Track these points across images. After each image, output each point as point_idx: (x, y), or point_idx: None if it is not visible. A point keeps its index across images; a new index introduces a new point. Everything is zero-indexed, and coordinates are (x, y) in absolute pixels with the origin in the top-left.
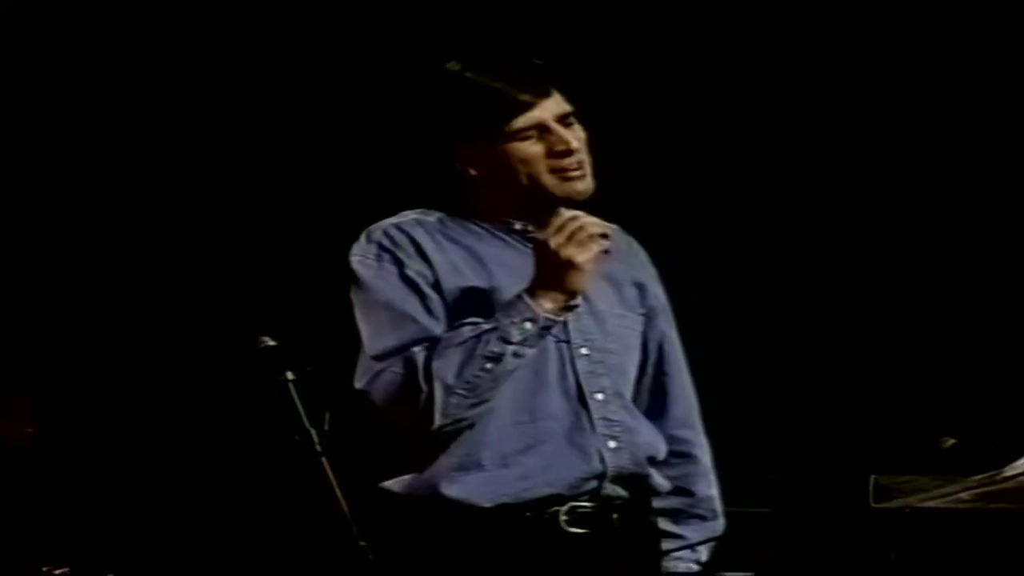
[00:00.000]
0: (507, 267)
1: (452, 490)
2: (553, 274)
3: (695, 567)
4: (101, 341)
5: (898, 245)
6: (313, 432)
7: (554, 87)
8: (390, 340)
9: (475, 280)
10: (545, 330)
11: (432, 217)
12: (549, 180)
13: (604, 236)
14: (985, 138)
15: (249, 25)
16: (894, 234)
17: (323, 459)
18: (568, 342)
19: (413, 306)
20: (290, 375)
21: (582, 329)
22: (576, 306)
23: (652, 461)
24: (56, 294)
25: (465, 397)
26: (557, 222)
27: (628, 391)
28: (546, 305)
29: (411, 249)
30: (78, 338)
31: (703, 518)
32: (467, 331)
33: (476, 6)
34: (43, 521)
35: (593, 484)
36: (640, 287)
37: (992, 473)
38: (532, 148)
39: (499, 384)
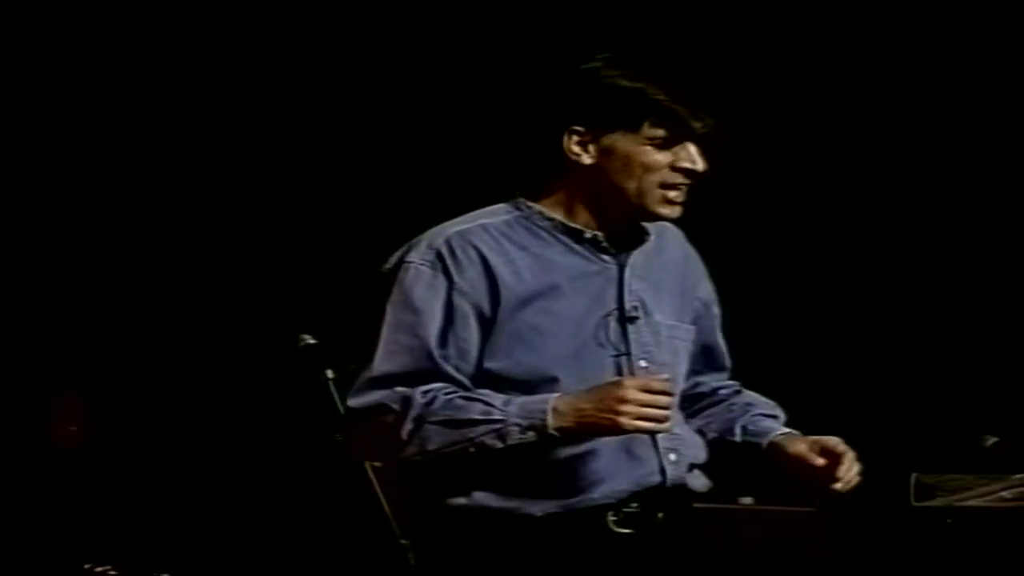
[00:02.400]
0: (569, 272)
1: (504, 500)
2: (597, 417)
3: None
4: (142, 342)
5: (941, 240)
6: None
7: (703, 102)
8: (396, 366)
9: (535, 284)
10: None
11: (498, 219)
12: (655, 194)
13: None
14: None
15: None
16: (936, 228)
17: None
18: (629, 354)
19: (435, 340)
20: (330, 373)
21: (642, 342)
22: (637, 317)
23: (696, 465)
24: (95, 296)
25: (433, 459)
26: (653, 386)
27: (678, 402)
28: (559, 424)
29: (469, 263)
30: (119, 339)
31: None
32: (475, 411)
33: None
34: (89, 520)
35: (651, 494)
36: (692, 293)
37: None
38: (660, 156)
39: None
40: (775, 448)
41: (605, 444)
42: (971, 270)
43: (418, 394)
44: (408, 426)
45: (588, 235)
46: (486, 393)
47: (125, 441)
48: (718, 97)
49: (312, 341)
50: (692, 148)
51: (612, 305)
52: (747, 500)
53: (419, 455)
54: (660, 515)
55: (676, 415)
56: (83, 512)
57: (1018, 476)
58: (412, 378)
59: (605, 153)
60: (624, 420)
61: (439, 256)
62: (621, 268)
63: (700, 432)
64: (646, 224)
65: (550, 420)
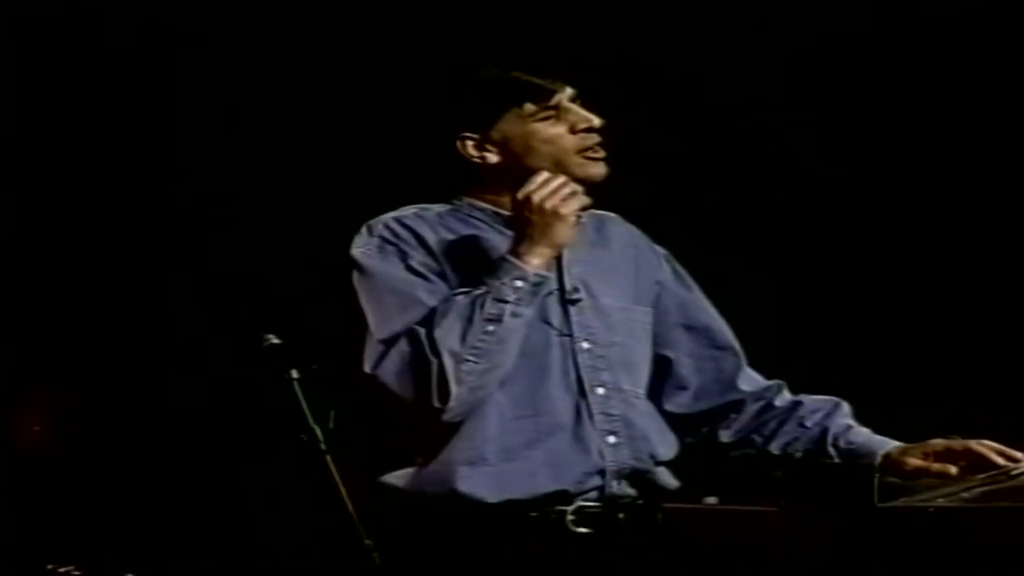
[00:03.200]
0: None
1: (459, 485)
2: (539, 227)
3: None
4: (105, 341)
5: (911, 241)
6: (318, 430)
7: (555, 72)
8: (397, 324)
9: (474, 267)
10: (536, 287)
11: (431, 211)
12: (573, 160)
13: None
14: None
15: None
16: (905, 230)
17: (328, 457)
18: (571, 336)
19: (419, 289)
20: (295, 373)
21: (584, 323)
22: (579, 299)
23: (657, 459)
24: (58, 297)
25: (476, 363)
26: (537, 179)
27: (635, 384)
28: (533, 261)
29: (414, 241)
30: (84, 340)
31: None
32: (461, 299)
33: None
34: (52, 520)
35: (597, 480)
36: (647, 277)
37: (996, 472)
38: (555, 128)
39: (505, 348)
40: (891, 463)
41: (553, 426)
42: (942, 270)
43: (416, 326)
44: (427, 348)
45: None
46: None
47: (90, 441)
48: (567, 67)
49: (277, 341)
50: (578, 108)
51: (552, 286)
52: (712, 500)
53: (460, 366)
54: (621, 515)
55: (630, 404)
56: (47, 512)
57: (980, 476)
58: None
59: (504, 145)
60: (557, 206)
61: (384, 239)
62: (558, 255)
63: (785, 453)
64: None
65: (523, 263)
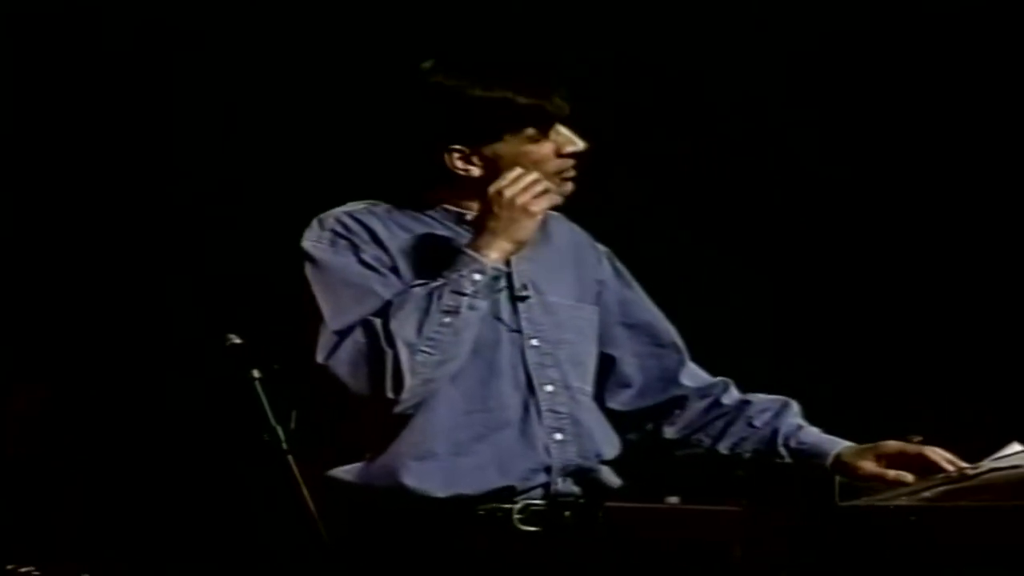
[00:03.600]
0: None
1: (408, 479)
2: (505, 221)
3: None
4: (65, 341)
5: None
6: (280, 430)
7: (555, 88)
8: (352, 315)
9: (426, 261)
10: (494, 281)
11: (381, 207)
12: (551, 179)
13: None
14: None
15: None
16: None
17: (289, 457)
18: (520, 332)
19: (373, 281)
20: (256, 373)
21: (533, 320)
22: (528, 296)
23: (602, 458)
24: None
25: (430, 354)
26: (511, 175)
27: (583, 382)
28: (492, 255)
29: (365, 235)
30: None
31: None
32: (418, 290)
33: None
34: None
35: (543, 477)
36: (589, 275)
37: (958, 471)
38: (543, 149)
39: (460, 340)
40: (843, 466)
41: (501, 421)
42: (897, 271)
43: (371, 316)
44: (383, 339)
45: (469, 217)
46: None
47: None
48: (559, 79)
49: (238, 341)
50: (566, 131)
51: (502, 283)
52: (673, 499)
53: (414, 356)
54: (567, 514)
55: (577, 402)
56: (6, 512)
57: (941, 475)
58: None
59: (492, 161)
60: (527, 201)
61: (336, 233)
62: None
63: (734, 453)
64: None
65: (482, 257)
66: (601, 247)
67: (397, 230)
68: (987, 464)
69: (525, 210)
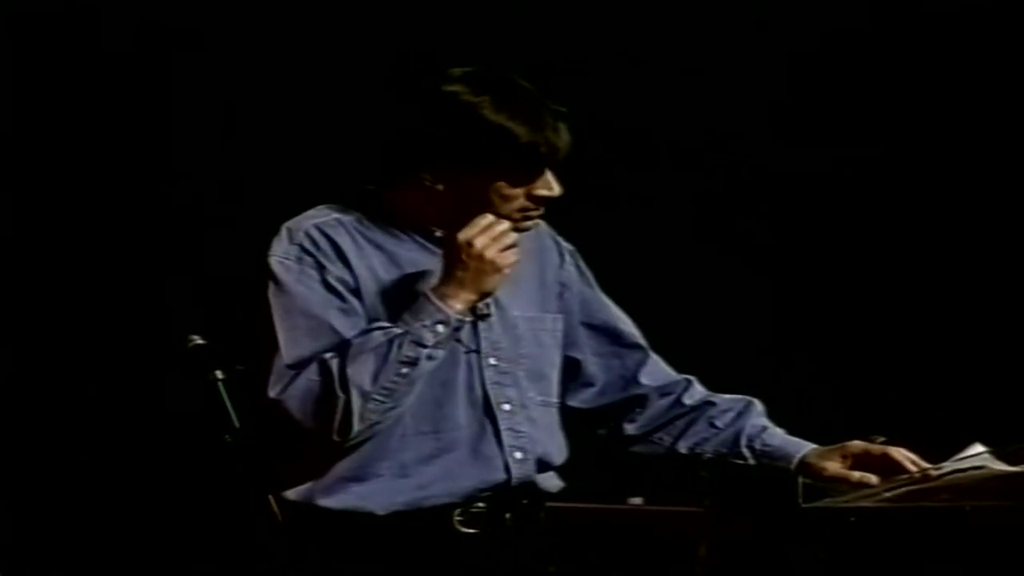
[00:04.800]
0: (424, 271)
1: (349, 499)
2: (473, 273)
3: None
4: (25, 341)
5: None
6: (242, 431)
7: (556, 130)
8: (306, 348)
9: (392, 284)
10: (456, 331)
11: (351, 215)
12: (514, 216)
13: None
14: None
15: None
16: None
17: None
18: (478, 351)
19: (332, 314)
20: (219, 374)
21: (492, 339)
22: (488, 315)
23: (552, 467)
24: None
25: (382, 402)
26: (482, 223)
27: (544, 395)
28: (457, 306)
29: (332, 253)
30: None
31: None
32: (378, 336)
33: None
34: None
35: (491, 494)
36: (552, 280)
37: (920, 472)
38: (517, 188)
39: (414, 387)
40: (807, 468)
41: (452, 442)
42: (860, 269)
43: (328, 356)
44: (337, 382)
45: (439, 233)
46: (378, 325)
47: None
48: (566, 117)
49: (201, 342)
50: (549, 175)
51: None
52: (637, 500)
53: (366, 403)
54: (508, 515)
55: (540, 413)
56: None
57: (903, 476)
58: (323, 354)
59: (460, 182)
60: (496, 256)
61: (303, 249)
62: None
63: (694, 453)
64: None
65: (446, 307)
66: (565, 244)
67: (366, 245)
68: (949, 465)
69: (494, 264)
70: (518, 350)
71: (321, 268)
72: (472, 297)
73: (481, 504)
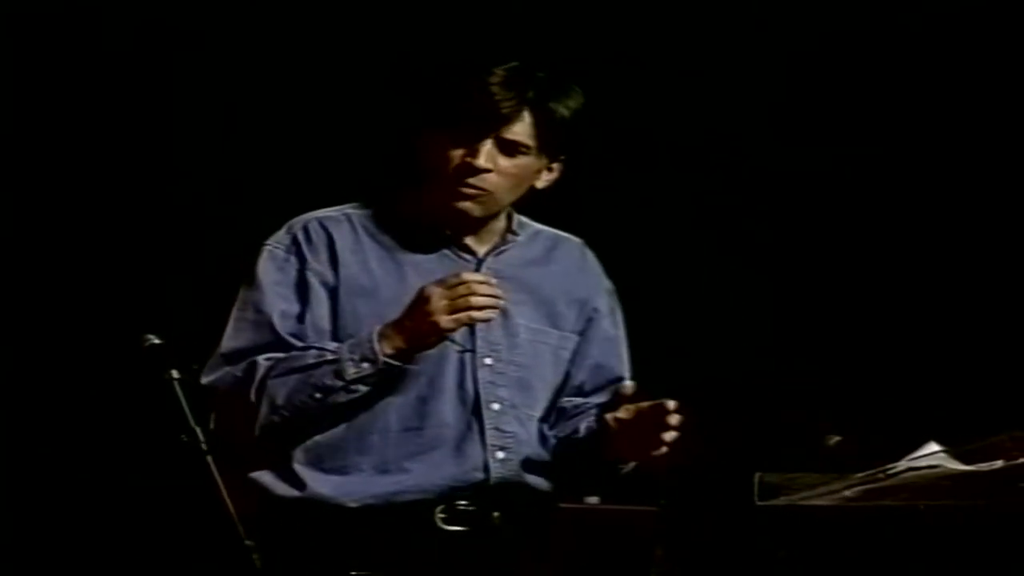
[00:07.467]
0: (423, 271)
1: (323, 489)
2: (417, 324)
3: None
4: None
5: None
6: (199, 431)
7: (533, 110)
8: (242, 341)
9: (384, 281)
10: (383, 373)
11: (365, 211)
12: (448, 188)
13: (493, 308)
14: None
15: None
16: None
17: (209, 458)
18: (473, 351)
19: (278, 314)
20: (175, 373)
21: (490, 340)
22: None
23: (535, 471)
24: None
25: (287, 419)
26: (452, 281)
27: (531, 405)
28: (387, 350)
29: (322, 248)
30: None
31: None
32: (310, 356)
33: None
34: None
35: (467, 493)
36: (581, 304)
37: (876, 471)
38: (455, 151)
39: (328, 412)
40: (603, 427)
41: (437, 439)
42: (816, 269)
43: (262, 359)
44: (255, 387)
45: (444, 234)
46: (322, 343)
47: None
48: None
49: (157, 341)
50: (486, 147)
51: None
52: (593, 499)
53: (272, 415)
54: (496, 514)
55: (521, 422)
56: None
57: (860, 475)
58: (258, 351)
59: (422, 143)
60: (440, 319)
61: (295, 240)
62: (478, 268)
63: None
64: (522, 230)
65: (378, 346)
66: (607, 282)
67: (367, 241)
68: (904, 464)
69: (435, 325)
70: (513, 356)
71: (303, 261)
72: (403, 347)
73: (464, 502)
